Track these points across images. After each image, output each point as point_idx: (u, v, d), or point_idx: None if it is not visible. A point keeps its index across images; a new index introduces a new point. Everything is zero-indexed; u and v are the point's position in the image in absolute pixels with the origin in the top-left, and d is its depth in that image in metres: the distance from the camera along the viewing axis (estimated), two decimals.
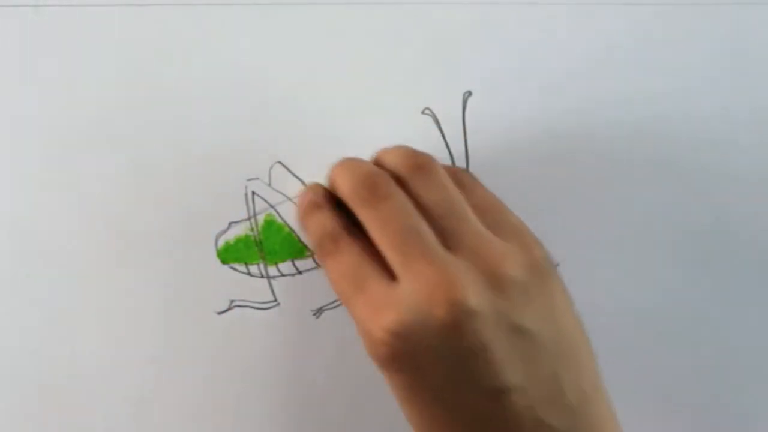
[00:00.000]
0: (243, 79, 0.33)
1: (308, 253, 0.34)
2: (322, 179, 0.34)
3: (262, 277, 0.34)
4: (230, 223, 0.33)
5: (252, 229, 0.33)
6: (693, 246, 0.36)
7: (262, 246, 0.33)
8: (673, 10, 0.35)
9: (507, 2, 0.34)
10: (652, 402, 0.36)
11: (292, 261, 0.34)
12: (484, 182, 0.31)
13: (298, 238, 0.34)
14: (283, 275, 0.34)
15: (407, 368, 0.26)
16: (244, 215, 0.33)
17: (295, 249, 0.34)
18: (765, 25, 0.36)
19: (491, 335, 0.26)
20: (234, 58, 0.33)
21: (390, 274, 0.27)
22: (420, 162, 0.29)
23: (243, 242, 0.33)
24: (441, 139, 0.34)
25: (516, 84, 0.34)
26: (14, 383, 0.33)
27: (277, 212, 0.33)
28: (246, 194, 0.33)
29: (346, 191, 0.29)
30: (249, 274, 0.33)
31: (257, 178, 0.33)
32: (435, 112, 0.34)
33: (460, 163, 0.34)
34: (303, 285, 0.34)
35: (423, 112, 0.34)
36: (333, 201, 0.30)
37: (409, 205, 0.28)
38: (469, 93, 0.34)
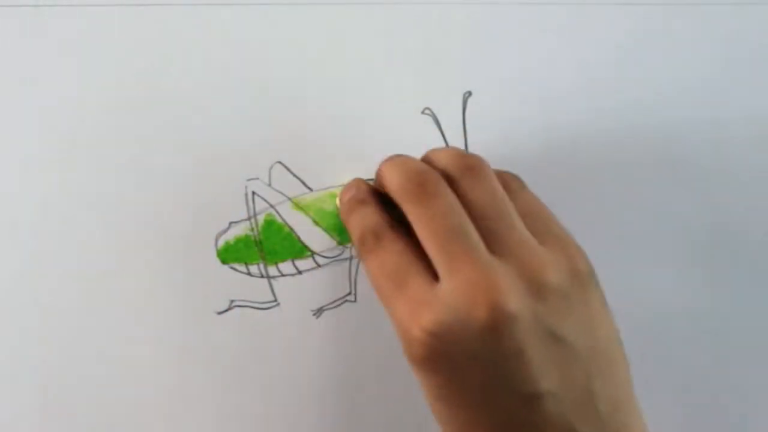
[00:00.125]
0: (243, 79, 0.33)
1: (308, 253, 0.34)
2: (321, 179, 0.34)
3: (262, 277, 0.34)
4: (230, 223, 0.33)
5: (252, 229, 0.33)
6: (692, 246, 0.36)
7: (262, 246, 0.33)
8: (673, 10, 0.35)
9: (507, 2, 0.34)
10: (661, 402, 0.36)
11: (292, 261, 0.34)
12: None
13: (298, 238, 0.34)
14: (283, 275, 0.34)
15: (443, 369, 0.26)
16: (244, 215, 0.33)
17: (295, 249, 0.34)
18: (765, 25, 0.36)
19: (529, 340, 0.26)
20: (234, 58, 0.33)
21: (432, 274, 0.27)
22: (470, 163, 0.29)
23: (243, 242, 0.33)
24: (441, 139, 0.34)
25: (516, 84, 0.34)
26: (14, 383, 0.33)
27: (277, 212, 0.33)
28: (246, 194, 0.33)
29: (394, 186, 0.29)
30: (249, 274, 0.33)
31: (257, 178, 0.33)
32: (435, 112, 0.34)
33: None
34: (303, 285, 0.34)
35: (423, 112, 0.34)
36: (377, 198, 0.30)
37: (457, 205, 0.28)
38: (469, 93, 0.34)
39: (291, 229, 0.34)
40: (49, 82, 0.32)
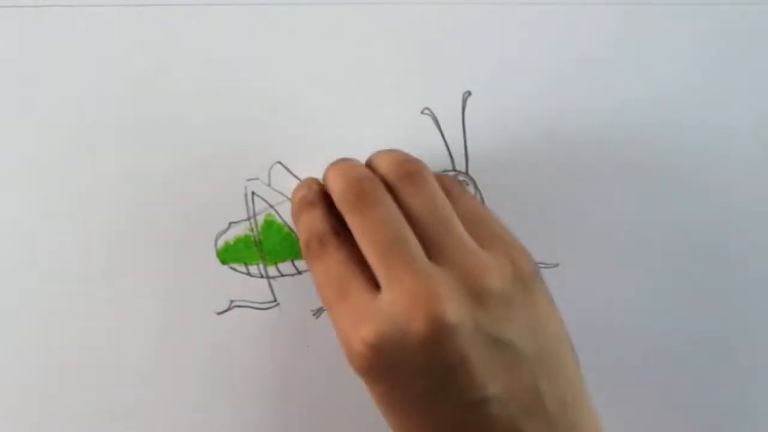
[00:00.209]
0: (243, 79, 0.33)
1: None
2: (322, 179, 0.34)
3: (261, 277, 0.34)
4: (230, 223, 0.33)
5: (252, 229, 0.33)
6: (688, 246, 0.36)
7: (261, 246, 0.33)
8: (674, 10, 0.35)
9: (507, 2, 0.34)
10: (652, 404, 0.36)
11: (292, 261, 0.34)
12: (483, 182, 0.31)
13: (298, 238, 0.34)
14: (282, 275, 0.34)
15: (385, 379, 0.26)
16: (244, 215, 0.33)
17: (295, 249, 0.34)
18: (765, 25, 0.36)
19: (470, 348, 0.26)
20: (234, 58, 0.33)
21: (375, 284, 0.27)
22: (410, 169, 0.29)
23: (243, 242, 0.33)
24: (441, 139, 0.34)
25: (516, 84, 0.34)
26: (14, 383, 0.33)
27: (277, 212, 0.33)
28: (246, 194, 0.33)
29: (336, 194, 0.29)
30: (249, 274, 0.33)
31: (257, 178, 0.33)
32: (435, 112, 0.34)
33: (460, 162, 0.34)
34: (303, 285, 0.34)
35: (423, 112, 0.34)
36: (326, 200, 0.30)
37: (397, 214, 0.28)
38: (469, 93, 0.34)
39: (291, 229, 0.34)
40: (48, 82, 0.32)
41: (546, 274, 0.30)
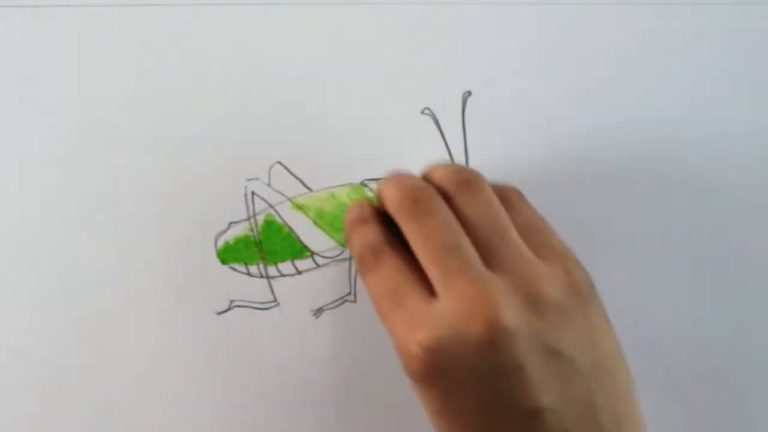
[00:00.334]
0: (243, 79, 0.33)
1: (308, 253, 0.34)
2: (321, 179, 0.34)
3: (261, 277, 0.34)
4: (230, 223, 0.33)
5: (252, 230, 0.33)
6: (691, 250, 0.36)
7: (261, 246, 0.33)
8: (673, 10, 0.35)
9: (507, 2, 0.34)
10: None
11: (292, 261, 0.34)
12: None
13: (298, 238, 0.34)
14: (282, 275, 0.34)
15: (441, 384, 0.26)
16: (244, 215, 0.33)
17: (295, 249, 0.34)
18: (765, 25, 0.36)
19: (527, 355, 0.26)
20: (234, 58, 0.33)
21: (430, 291, 0.27)
22: (466, 178, 0.29)
23: (243, 242, 0.33)
24: (441, 139, 0.34)
25: (516, 84, 0.34)
26: (14, 384, 0.33)
27: (277, 212, 0.33)
28: (246, 194, 0.33)
29: (392, 204, 0.29)
30: (249, 274, 0.33)
31: (257, 178, 0.33)
32: (435, 112, 0.34)
33: (460, 162, 0.34)
34: (303, 285, 0.34)
35: (423, 112, 0.34)
36: (380, 217, 0.30)
37: (453, 221, 0.28)
38: (469, 93, 0.34)
39: (291, 229, 0.34)
40: (49, 82, 0.32)
41: None
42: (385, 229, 0.30)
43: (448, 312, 0.26)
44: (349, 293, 0.34)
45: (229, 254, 0.33)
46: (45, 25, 0.32)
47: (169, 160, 0.33)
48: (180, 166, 0.33)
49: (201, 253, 0.33)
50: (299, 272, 0.34)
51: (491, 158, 0.34)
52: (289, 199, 0.33)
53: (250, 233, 0.33)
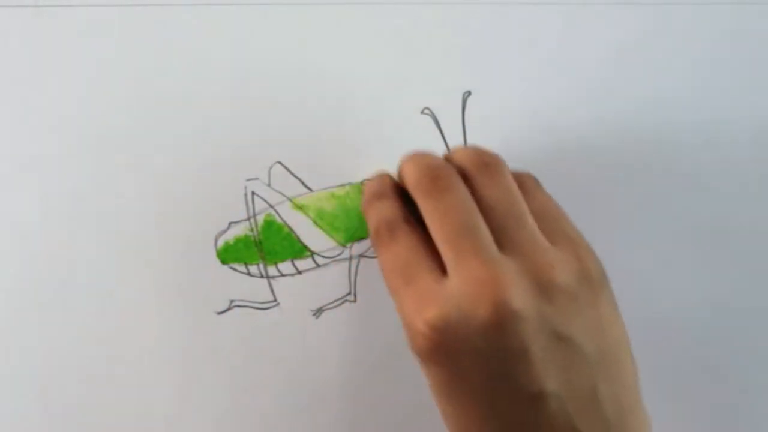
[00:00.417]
0: (243, 79, 0.33)
1: (308, 253, 0.34)
2: (321, 179, 0.34)
3: (261, 277, 0.34)
4: (230, 223, 0.33)
5: (252, 229, 0.33)
6: (691, 250, 0.36)
7: (261, 246, 0.33)
8: (673, 10, 0.35)
9: (507, 2, 0.34)
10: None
11: (292, 261, 0.34)
12: None
13: (298, 238, 0.34)
14: (282, 275, 0.34)
15: (446, 363, 0.26)
16: (244, 215, 0.33)
17: (295, 249, 0.34)
18: (765, 25, 0.36)
19: (533, 339, 0.26)
20: (234, 58, 0.33)
21: (442, 271, 0.27)
22: (487, 160, 0.29)
23: (243, 242, 0.33)
24: (441, 139, 0.34)
25: (516, 84, 0.34)
26: (14, 385, 0.33)
27: (277, 212, 0.33)
28: (246, 194, 0.33)
29: (410, 180, 0.29)
30: (249, 274, 0.33)
31: (257, 178, 0.33)
32: (435, 112, 0.34)
33: None
34: (303, 285, 0.34)
35: (423, 112, 0.34)
36: (398, 193, 0.30)
37: (470, 202, 0.28)
38: (469, 93, 0.34)
39: (291, 229, 0.34)
40: (49, 82, 0.32)
41: None
42: (402, 205, 0.30)
43: (457, 292, 0.26)
44: (349, 293, 0.34)
45: (229, 254, 0.33)
46: (46, 25, 0.32)
47: (168, 160, 0.33)
48: (180, 166, 0.33)
49: (201, 253, 0.33)
50: (299, 272, 0.34)
51: None
52: (289, 199, 0.33)
53: (250, 233, 0.33)
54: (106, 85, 0.32)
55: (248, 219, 0.33)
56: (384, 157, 0.33)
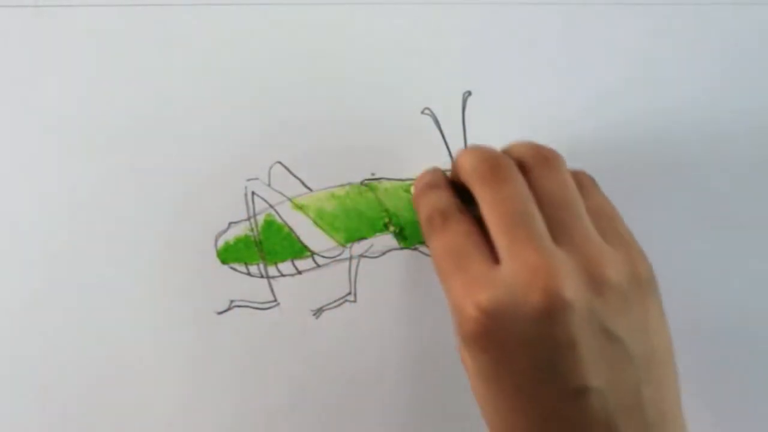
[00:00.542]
0: (243, 79, 0.33)
1: (308, 253, 0.34)
2: (321, 179, 0.34)
3: (262, 277, 0.34)
4: (230, 223, 0.33)
5: (252, 229, 0.33)
6: (691, 250, 0.36)
7: (261, 246, 0.33)
8: (673, 10, 0.35)
9: (507, 2, 0.34)
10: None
11: (292, 261, 0.34)
12: None
13: (298, 238, 0.34)
14: (282, 275, 0.34)
15: (493, 349, 0.26)
16: (244, 215, 0.33)
17: (295, 249, 0.34)
18: (765, 25, 0.36)
19: (582, 332, 0.26)
20: (234, 58, 0.33)
21: (494, 259, 0.27)
22: (546, 154, 0.29)
23: (243, 242, 0.33)
24: (441, 139, 0.34)
25: (516, 84, 0.34)
26: (14, 385, 0.33)
27: (277, 212, 0.33)
28: (246, 194, 0.33)
29: (467, 169, 0.29)
30: (249, 274, 0.33)
31: (257, 178, 0.33)
32: (435, 112, 0.34)
33: None
34: (303, 285, 0.34)
35: (423, 112, 0.34)
36: (450, 185, 0.31)
37: (527, 192, 0.28)
38: (469, 93, 0.34)
39: (291, 229, 0.34)
40: (49, 82, 0.32)
41: None
42: (455, 195, 0.30)
43: (510, 278, 0.26)
44: (349, 293, 0.34)
45: (229, 254, 0.33)
46: (46, 25, 0.32)
47: (169, 160, 0.33)
48: (180, 166, 0.33)
49: (201, 253, 0.33)
50: (299, 272, 0.34)
51: None
52: (289, 199, 0.33)
53: (250, 233, 0.33)
54: (106, 85, 0.32)
55: (248, 219, 0.33)
56: (384, 157, 0.33)
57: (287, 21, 0.33)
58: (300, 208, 0.34)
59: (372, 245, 0.34)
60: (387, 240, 0.34)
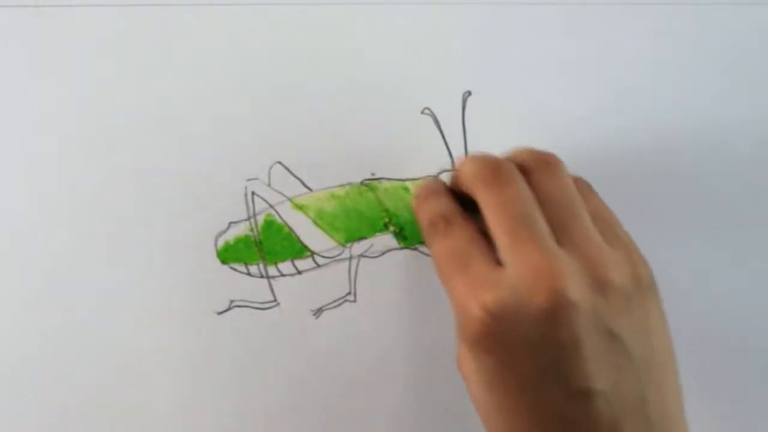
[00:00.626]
0: (243, 79, 0.33)
1: (308, 253, 0.34)
2: (321, 179, 0.34)
3: (261, 277, 0.34)
4: (230, 223, 0.33)
5: (252, 229, 0.33)
6: (691, 251, 0.36)
7: (261, 246, 0.33)
8: (674, 10, 0.35)
9: (507, 2, 0.34)
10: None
11: (292, 261, 0.34)
12: None
13: (298, 238, 0.34)
14: (282, 275, 0.34)
15: (497, 350, 0.26)
16: (244, 215, 0.33)
17: (295, 249, 0.34)
18: (765, 25, 0.36)
19: (586, 333, 0.26)
20: (234, 58, 0.33)
21: (497, 261, 0.27)
22: (547, 158, 0.30)
23: (243, 242, 0.33)
24: (441, 139, 0.34)
25: (516, 84, 0.34)
26: (14, 385, 0.33)
27: (277, 212, 0.33)
28: (246, 194, 0.33)
29: (469, 174, 0.29)
30: (249, 274, 0.33)
31: (257, 178, 0.33)
32: (435, 112, 0.34)
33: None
34: (303, 285, 0.34)
35: (423, 112, 0.34)
36: (451, 193, 0.31)
37: (529, 194, 0.28)
38: (469, 93, 0.34)
39: (291, 229, 0.34)
40: (49, 82, 0.32)
41: None
42: (456, 201, 0.30)
43: (513, 279, 0.26)
44: (349, 293, 0.34)
45: (229, 254, 0.33)
46: (46, 25, 0.32)
47: (169, 160, 0.33)
48: (180, 167, 0.33)
49: (201, 253, 0.33)
50: (299, 272, 0.34)
51: None
52: (289, 199, 0.33)
53: (250, 233, 0.33)
54: (106, 85, 0.32)
55: (248, 219, 0.33)
56: (384, 158, 0.33)
57: (287, 21, 0.33)
58: (300, 208, 0.34)
59: (372, 245, 0.34)
60: (387, 240, 0.34)
